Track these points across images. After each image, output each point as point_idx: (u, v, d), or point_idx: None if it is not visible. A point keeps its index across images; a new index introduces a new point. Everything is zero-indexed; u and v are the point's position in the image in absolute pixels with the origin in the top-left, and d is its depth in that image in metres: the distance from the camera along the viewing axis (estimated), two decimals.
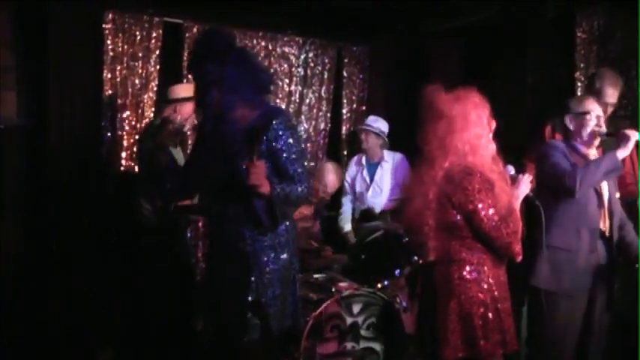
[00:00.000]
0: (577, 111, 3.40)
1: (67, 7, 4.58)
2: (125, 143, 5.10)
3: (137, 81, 5.16)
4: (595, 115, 3.39)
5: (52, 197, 4.58)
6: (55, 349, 4.38)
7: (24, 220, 4.55)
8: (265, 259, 2.94)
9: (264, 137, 2.84)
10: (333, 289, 3.75)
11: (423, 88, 2.82)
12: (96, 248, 4.64)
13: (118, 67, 5.08)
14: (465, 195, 2.70)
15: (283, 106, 5.72)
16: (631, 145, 3.23)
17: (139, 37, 5.14)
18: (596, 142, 3.41)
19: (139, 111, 5.16)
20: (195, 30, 5.29)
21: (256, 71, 2.97)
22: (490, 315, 2.73)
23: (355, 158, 5.36)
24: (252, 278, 2.91)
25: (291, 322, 3.04)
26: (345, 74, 6.23)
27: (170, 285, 4.17)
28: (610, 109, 3.97)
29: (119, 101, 5.08)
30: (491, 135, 2.85)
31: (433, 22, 5.58)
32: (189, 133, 4.60)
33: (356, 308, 3.71)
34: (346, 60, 6.23)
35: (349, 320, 3.68)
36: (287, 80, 5.91)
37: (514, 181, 2.87)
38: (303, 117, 6.02)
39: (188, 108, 4.25)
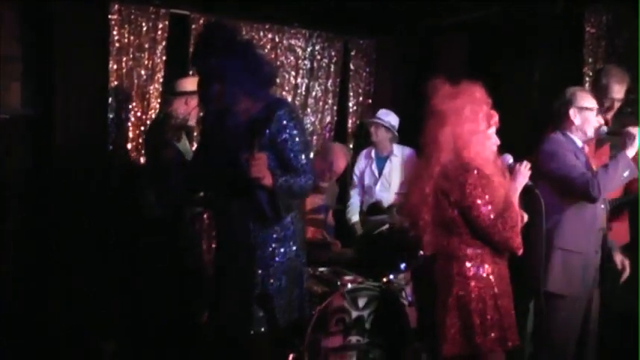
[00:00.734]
0: (583, 105, 3.37)
1: None
2: (131, 134, 5.08)
3: (143, 72, 5.12)
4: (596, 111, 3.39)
5: (56, 188, 4.56)
6: (55, 349, 4.36)
7: (27, 209, 4.55)
8: (271, 251, 2.93)
9: (267, 129, 2.83)
10: (339, 283, 3.74)
11: (429, 82, 2.81)
12: (96, 248, 4.62)
13: (124, 59, 5.05)
14: (460, 191, 2.69)
15: (289, 99, 5.70)
16: (637, 142, 3.21)
17: (145, 29, 5.10)
18: (594, 138, 3.41)
19: (145, 102, 5.14)
20: (201, 22, 5.24)
21: (259, 64, 2.93)
22: (489, 311, 2.73)
23: (365, 151, 5.33)
24: (259, 271, 2.90)
25: (297, 315, 3.04)
26: (351, 67, 6.21)
27: (170, 285, 4.15)
28: (617, 105, 3.94)
29: (125, 92, 5.06)
30: (492, 130, 2.82)
31: (441, 16, 5.55)
32: (195, 125, 4.59)
33: (361, 302, 3.70)
34: (353, 53, 6.20)
35: (354, 314, 3.67)
36: (293, 73, 5.89)
37: (512, 170, 2.84)
38: (309, 110, 6.00)
39: (197, 101, 4.25)
